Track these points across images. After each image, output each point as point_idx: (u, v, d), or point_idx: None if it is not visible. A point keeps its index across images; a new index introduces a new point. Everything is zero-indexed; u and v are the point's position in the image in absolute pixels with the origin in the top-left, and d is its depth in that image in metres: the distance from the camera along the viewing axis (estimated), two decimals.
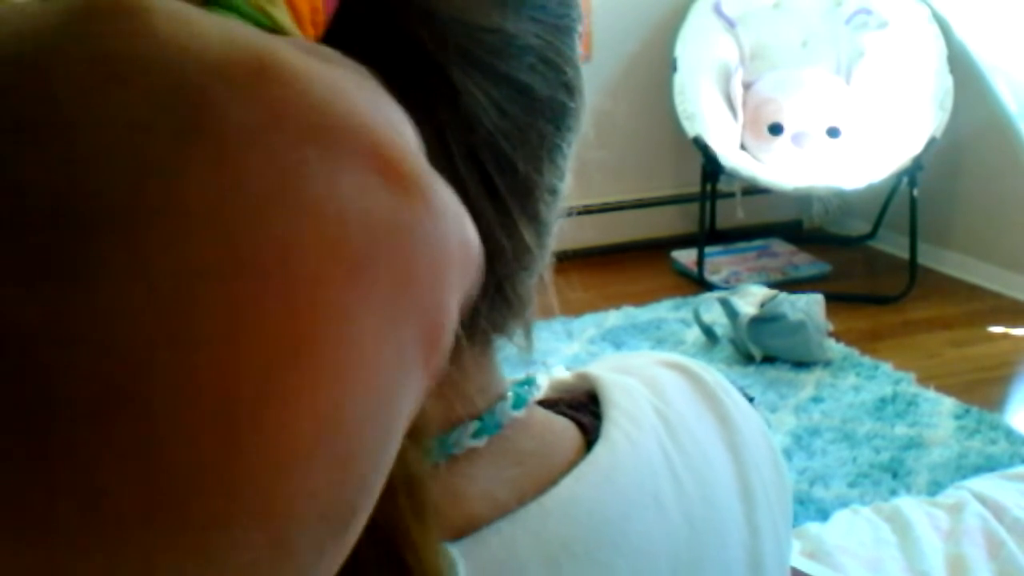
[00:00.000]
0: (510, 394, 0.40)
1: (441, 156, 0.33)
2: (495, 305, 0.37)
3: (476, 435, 0.38)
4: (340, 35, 0.31)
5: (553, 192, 0.38)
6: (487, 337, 0.39)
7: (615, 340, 3.00)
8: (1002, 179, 3.34)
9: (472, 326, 0.37)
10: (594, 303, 3.21)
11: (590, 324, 3.09)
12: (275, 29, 0.27)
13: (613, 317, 3.16)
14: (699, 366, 0.50)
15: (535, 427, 0.41)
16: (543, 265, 0.40)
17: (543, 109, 0.37)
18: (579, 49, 0.40)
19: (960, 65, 3.28)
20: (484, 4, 0.34)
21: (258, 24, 0.27)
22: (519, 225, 0.36)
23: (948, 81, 3.23)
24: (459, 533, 0.36)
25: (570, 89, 0.38)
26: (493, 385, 0.40)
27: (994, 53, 3.29)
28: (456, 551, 0.35)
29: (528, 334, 0.41)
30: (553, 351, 2.90)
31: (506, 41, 0.35)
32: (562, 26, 0.38)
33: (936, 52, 3.27)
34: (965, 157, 3.44)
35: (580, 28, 0.40)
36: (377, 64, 0.32)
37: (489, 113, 0.34)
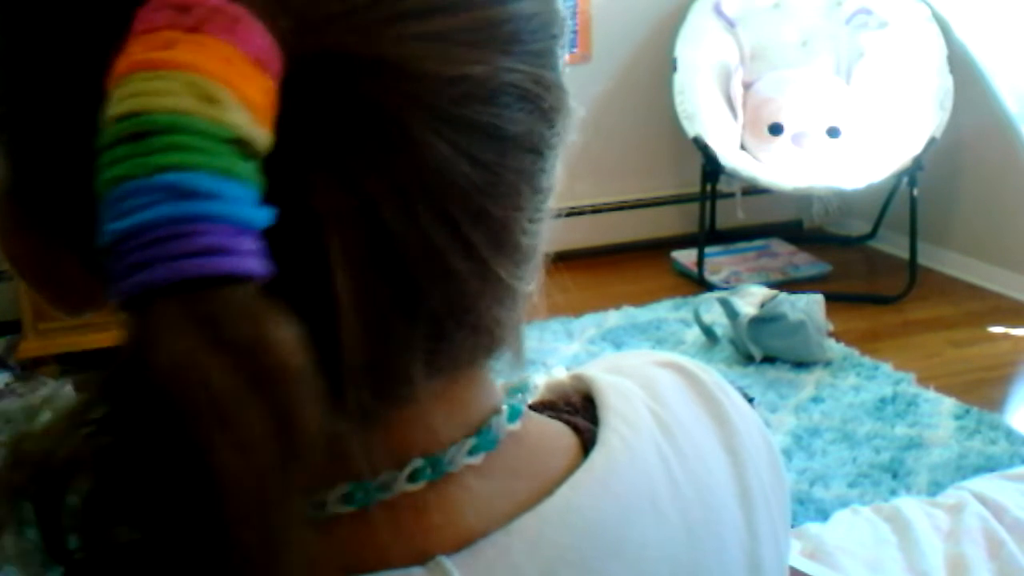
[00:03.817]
0: (505, 407, 0.40)
1: (407, 221, 0.32)
2: (479, 343, 0.37)
3: (472, 452, 0.38)
4: (297, 104, 0.29)
5: (534, 218, 0.37)
6: (473, 365, 0.38)
7: (615, 340, 3.00)
8: (1002, 179, 3.34)
9: (454, 360, 0.36)
10: (594, 303, 3.21)
11: (590, 324, 3.09)
12: (238, 138, 0.26)
13: (613, 317, 3.16)
14: (696, 365, 0.49)
15: (530, 437, 0.41)
16: (529, 287, 0.38)
17: (520, 145, 0.35)
18: (563, 58, 0.38)
19: (960, 65, 3.28)
20: (449, 51, 0.32)
21: (218, 137, 0.25)
22: (496, 269, 0.35)
23: (948, 81, 3.23)
24: (456, 547, 0.36)
25: (550, 116, 0.36)
26: (486, 399, 0.40)
27: (994, 53, 3.29)
28: (451, 563, 0.35)
29: (518, 352, 0.40)
30: (553, 351, 2.90)
31: (473, 88, 0.32)
32: (539, 50, 0.35)
33: (936, 52, 3.27)
34: (965, 157, 3.44)
35: (562, 39, 0.38)
36: (336, 127, 0.30)
37: (458, 165, 0.32)
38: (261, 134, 0.27)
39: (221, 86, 0.26)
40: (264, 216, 0.27)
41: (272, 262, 0.28)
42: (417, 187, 0.32)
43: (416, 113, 0.31)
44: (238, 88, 0.26)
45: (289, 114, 0.28)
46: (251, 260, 0.26)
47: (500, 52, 0.33)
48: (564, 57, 0.38)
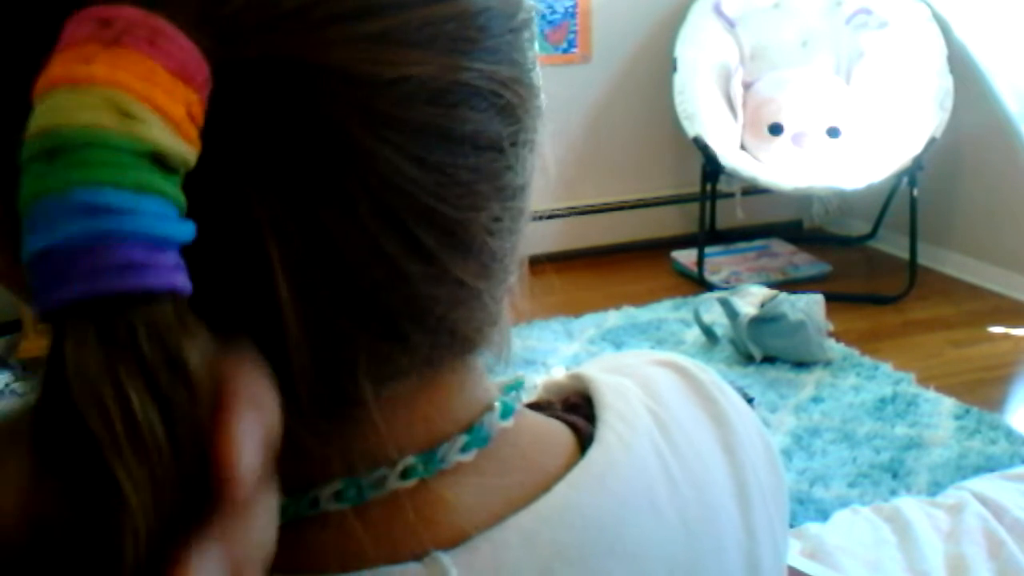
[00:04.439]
0: (498, 404, 0.40)
1: (350, 227, 0.31)
2: (442, 344, 0.36)
3: (464, 449, 0.38)
4: (229, 113, 0.29)
5: (501, 217, 0.36)
6: (443, 367, 0.38)
7: (615, 340, 3.00)
8: (1002, 179, 3.34)
9: (417, 362, 0.36)
10: (594, 303, 3.21)
11: (590, 324, 3.09)
12: (156, 152, 0.25)
13: (613, 317, 3.16)
14: (694, 364, 0.49)
15: (525, 434, 0.41)
16: (502, 287, 0.38)
17: (475, 144, 0.34)
18: (529, 51, 0.37)
19: (960, 65, 3.28)
20: (387, 53, 0.31)
21: (133, 151, 0.25)
22: (454, 271, 0.34)
23: (948, 81, 3.23)
24: (450, 543, 0.36)
25: (510, 112, 0.35)
26: (478, 396, 0.40)
27: (994, 53, 3.29)
28: (447, 559, 0.35)
29: (499, 351, 0.40)
30: (553, 351, 2.90)
31: (416, 89, 0.31)
32: (493, 45, 0.34)
33: (936, 52, 3.27)
34: (965, 157, 3.44)
35: (527, 32, 0.36)
36: (270, 133, 0.30)
37: (404, 168, 0.32)
38: (182, 147, 0.26)
39: (138, 100, 0.25)
40: (185, 231, 0.26)
41: (212, 272, 0.28)
42: (360, 191, 0.31)
43: (354, 117, 0.30)
44: (157, 102, 0.26)
45: (221, 123, 0.28)
46: (169, 276, 0.26)
47: (445, 51, 0.32)
48: (531, 51, 0.37)
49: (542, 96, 0.38)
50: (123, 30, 0.26)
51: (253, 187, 0.30)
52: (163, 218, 0.26)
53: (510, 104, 0.35)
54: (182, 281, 0.26)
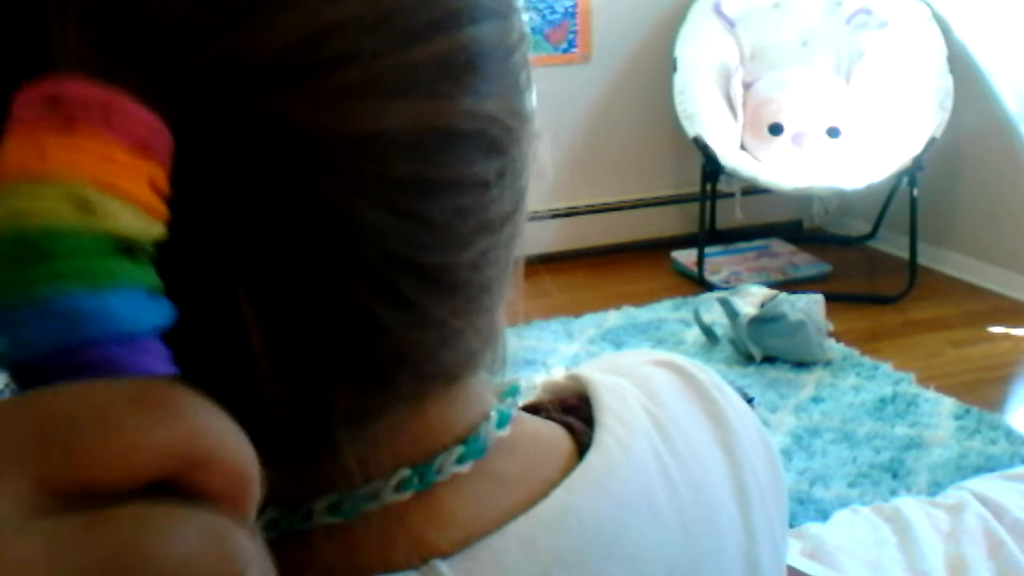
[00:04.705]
0: (494, 413, 0.39)
1: (326, 282, 0.31)
2: (427, 376, 0.36)
3: (460, 461, 0.37)
4: (196, 174, 0.27)
5: (487, 250, 0.35)
6: (427, 396, 0.37)
7: (615, 340, 3.00)
8: (1002, 179, 3.34)
9: (400, 396, 0.35)
10: (594, 303, 3.21)
11: (590, 324, 3.09)
12: (121, 240, 0.24)
13: (613, 317, 3.16)
14: (693, 364, 0.49)
15: (522, 442, 0.40)
16: (491, 315, 0.37)
17: (456, 186, 0.32)
18: (519, 79, 0.35)
19: (960, 65, 3.28)
20: (359, 107, 0.29)
21: (98, 245, 0.24)
22: (436, 314, 0.34)
23: (948, 81, 3.23)
24: (449, 552, 0.36)
25: (496, 147, 0.34)
26: (474, 406, 0.39)
27: (994, 53, 3.29)
28: (445, 567, 0.35)
29: (493, 366, 0.39)
30: (553, 351, 2.90)
31: (390, 142, 0.30)
32: (476, 81, 0.32)
33: (936, 52, 3.27)
34: (965, 157, 3.44)
35: (515, 57, 0.35)
36: (239, 193, 0.28)
37: (380, 221, 0.30)
38: (149, 225, 0.25)
39: (98, 188, 0.24)
40: (160, 313, 0.25)
41: (186, 331, 0.27)
42: (334, 248, 0.30)
43: (326, 174, 0.29)
44: (118, 184, 0.24)
45: (189, 184, 0.27)
46: (144, 367, 0.25)
47: (425, 96, 0.31)
48: (524, 71, 0.35)
49: (535, 117, 0.37)
50: (75, 110, 0.24)
51: (225, 247, 0.29)
52: (134, 308, 0.24)
53: (497, 139, 0.33)
54: (160, 367, 0.25)
